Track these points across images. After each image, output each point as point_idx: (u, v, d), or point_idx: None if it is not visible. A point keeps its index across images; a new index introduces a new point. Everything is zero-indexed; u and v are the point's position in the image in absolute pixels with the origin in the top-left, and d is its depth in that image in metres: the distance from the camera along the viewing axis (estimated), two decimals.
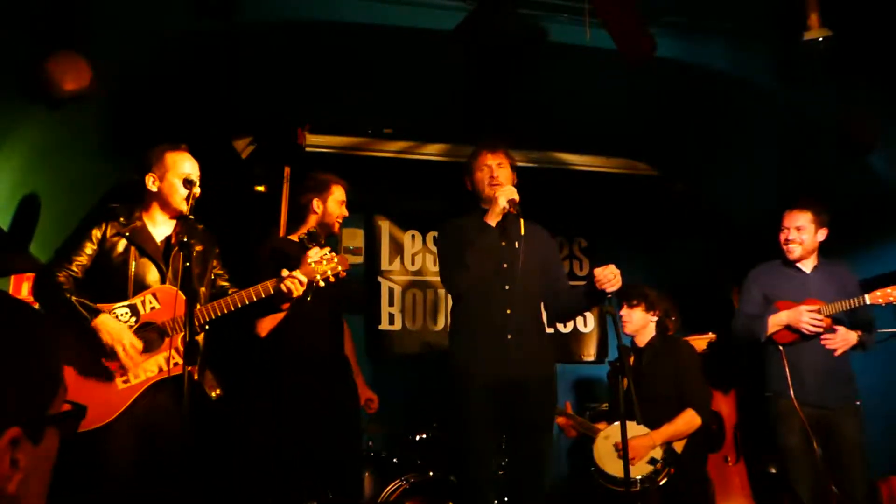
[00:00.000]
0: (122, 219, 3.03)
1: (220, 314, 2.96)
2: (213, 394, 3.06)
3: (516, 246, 3.24)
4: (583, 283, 3.39)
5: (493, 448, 3.37)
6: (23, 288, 4.13)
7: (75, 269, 2.91)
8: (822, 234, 3.87)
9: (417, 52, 4.27)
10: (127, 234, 2.99)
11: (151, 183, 3.06)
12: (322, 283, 3.09)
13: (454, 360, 3.31)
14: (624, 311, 4.27)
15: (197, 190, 3.07)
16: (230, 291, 3.14)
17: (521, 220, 3.15)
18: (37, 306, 2.98)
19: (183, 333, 2.85)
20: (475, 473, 3.25)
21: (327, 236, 3.73)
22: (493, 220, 3.25)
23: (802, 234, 3.83)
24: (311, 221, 3.75)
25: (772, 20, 4.09)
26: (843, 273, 3.92)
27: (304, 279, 3.01)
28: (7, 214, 3.66)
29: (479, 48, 3.82)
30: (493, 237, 3.27)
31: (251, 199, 5.45)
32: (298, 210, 3.83)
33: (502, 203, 3.19)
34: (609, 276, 3.18)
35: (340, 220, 3.83)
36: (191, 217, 3.00)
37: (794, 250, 3.84)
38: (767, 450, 4.60)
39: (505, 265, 3.29)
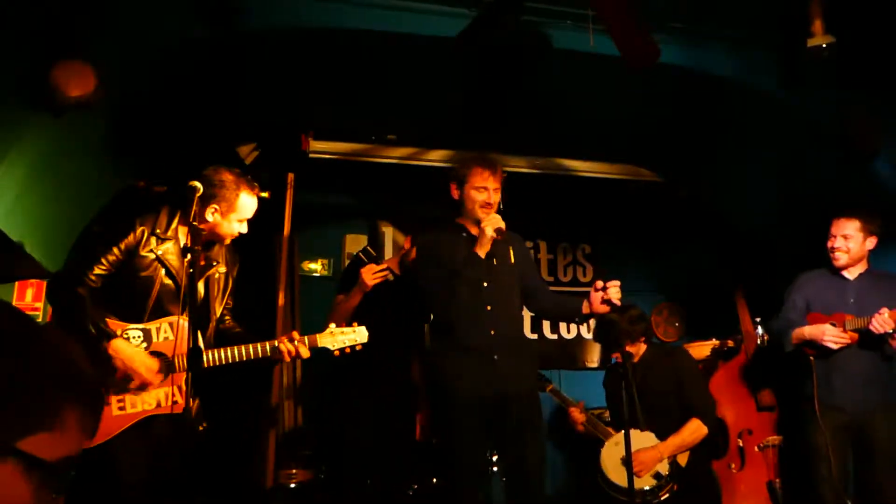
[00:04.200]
0: (158, 230, 2.93)
1: (221, 363, 2.92)
2: (200, 427, 3.03)
3: (494, 263, 3.32)
4: (588, 288, 3.39)
5: (485, 462, 3.53)
6: (27, 294, 4.13)
7: (94, 278, 2.80)
8: (872, 243, 3.86)
9: (421, 58, 4.27)
10: (159, 252, 2.91)
11: (210, 213, 2.97)
12: (337, 353, 3.12)
13: (441, 380, 3.37)
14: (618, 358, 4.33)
15: (245, 227, 3.08)
16: (227, 322, 3.17)
17: (511, 249, 3.27)
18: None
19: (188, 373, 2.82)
20: (469, 487, 3.31)
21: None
22: (481, 250, 3.28)
23: (849, 242, 3.84)
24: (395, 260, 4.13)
25: (775, 26, 4.09)
26: (893, 282, 3.88)
27: (306, 353, 3.03)
28: (12, 220, 3.67)
29: (483, 55, 3.83)
30: (478, 266, 3.31)
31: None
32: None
33: (489, 233, 3.22)
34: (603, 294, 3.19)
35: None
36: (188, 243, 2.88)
37: (840, 258, 3.86)
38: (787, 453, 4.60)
39: (486, 284, 3.37)
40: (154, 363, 2.83)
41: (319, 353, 3.16)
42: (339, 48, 4.15)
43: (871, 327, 3.59)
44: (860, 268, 3.92)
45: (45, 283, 3.91)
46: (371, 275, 3.65)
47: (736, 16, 4.08)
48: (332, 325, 3.15)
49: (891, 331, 3.57)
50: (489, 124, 5.10)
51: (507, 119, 5.02)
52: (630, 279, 6.25)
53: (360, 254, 3.81)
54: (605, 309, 3.20)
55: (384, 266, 3.71)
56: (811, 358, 3.80)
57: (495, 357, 3.30)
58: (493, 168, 3.45)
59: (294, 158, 5.33)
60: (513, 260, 3.36)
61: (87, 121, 3.71)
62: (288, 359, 3.03)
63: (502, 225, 3.25)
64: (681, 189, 5.89)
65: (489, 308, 3.37)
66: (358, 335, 3.14)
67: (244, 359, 2.95)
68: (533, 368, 3.57)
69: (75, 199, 4.22)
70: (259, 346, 2.98)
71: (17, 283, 4.11)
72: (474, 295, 3.34)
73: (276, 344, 2.99)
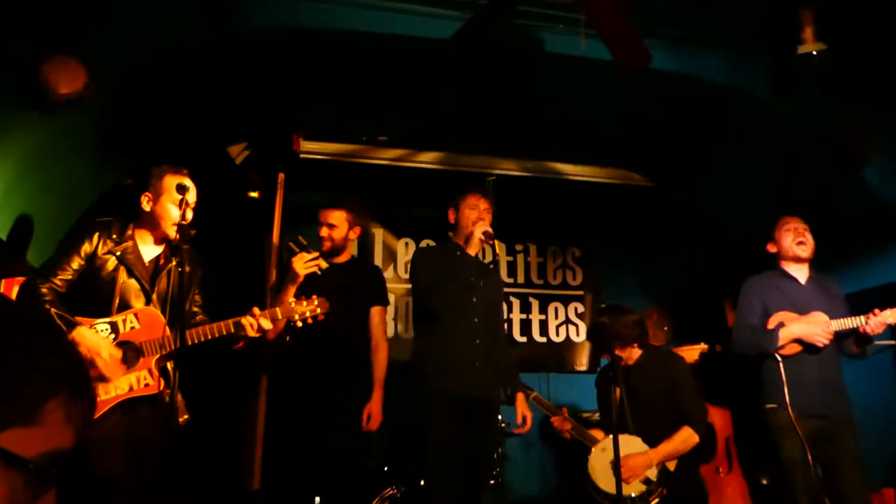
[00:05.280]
0: (114, 235, 3.03)
1: (190, 344, 2.96)
2: (181, 419, 3.02)
3: (480, 284, 3.73)
4: (577, 292, 3.60)
5: (464, 460, 3.60)
6: (13, 292, 4.10)
7: (59, 282, 2.90)
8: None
9: (413, 60, 4.27)
10: (118, 253, 3.00)
11: (146, 202, 3.06)
12: (300, 324, 3.19)
13: (426, 381, 3.65)
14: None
15: (189, 215, 3.07)
16: (198, 319, 3.19)
17: (496, 242, 3.70)
18: None
19: (158, 356, 2.92)
20: (447, 483, 3.50)
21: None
22: (472, 249, 3.80)
23: (808, 236, 3.83)
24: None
25: (767, 33, 4.11)
26: (833, 287, 3.91)
27: (268, 324, 3.06)
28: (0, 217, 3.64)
29: (476, 57, 3.84)
30: (468, 268, 3.75)
31: (245, 205, 5.44)
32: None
33: (477, 234, 3.70)
34: None
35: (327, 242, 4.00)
36: (177, 239, 2.98)
37: (807, 250, 3.82)
38: (762, 461, 4.61)
39: (475, 299, 3.74)
40: (118, 353, 2.86)
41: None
42: (332, 49, 4.14)
43: (867, 328, 3.57)
44: (807, 271, 3.89)
45: None
46: (303, 264, 3.51)
47: (729, 21, 4.10)
48: (292, 298, 3.25)
49: (881, 333, 3.57)
50: (480, 127, 5.11)
51: (499, 122, 5.03)
52: (619, 282, 6.34)
53: (291, 244, 3.68)
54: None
55: (316, 255, 3.56)
56: (779, 359, 3.69)
57: (476, 364, 3.66)
58: (484, 194, 3.95)
59: (285, 158, 5.32)
60: (481, 283, 3.76)
61: (76, 118, 3.69)
62: (251, 332, 3.05)
63: (490, 230, 3.70)
64: (672, 194, 5.91)
65: (476, 320, 3.72)
66: (319, 305, 3.22)
67: (210, 337, 2.99)
68: (499, 379, 3.90)
69: (64, 196, 4.19)
70: (223, 323, 3.04)
71: (3, 281, 4.08)
72: (465, 306, 3.70)
73: (239, 319, 3.04)
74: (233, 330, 3.03)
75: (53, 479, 0.83)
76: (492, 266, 3.92)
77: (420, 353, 3.79)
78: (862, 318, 3.60)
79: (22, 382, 0.81)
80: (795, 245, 3.84)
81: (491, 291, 3.86)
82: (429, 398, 3.61)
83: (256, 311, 3.08)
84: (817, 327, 3.65)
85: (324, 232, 3.99)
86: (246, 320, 3.03)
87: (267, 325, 3.07)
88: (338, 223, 3.99)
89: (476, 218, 3.80)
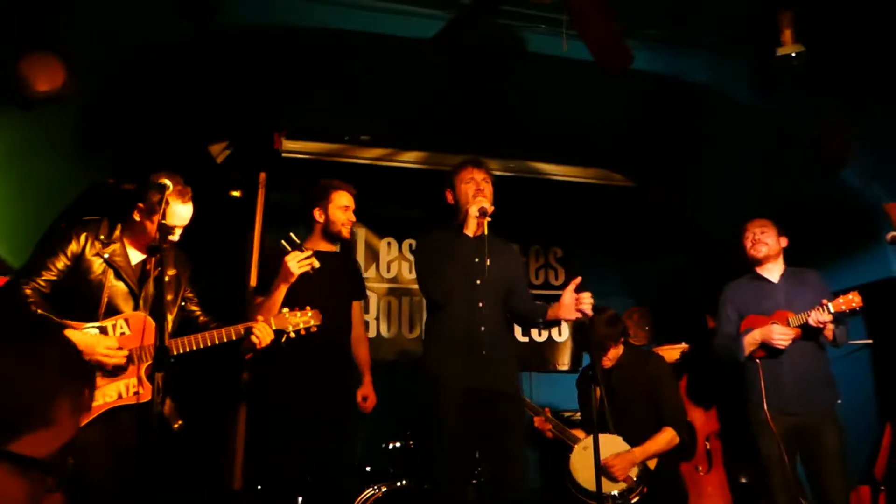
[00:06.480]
0: (102, 236, 2.97)
1: (188, 350, 2.96)
2: (175, 425, 3.01)
3: (487, 263, 3.38)
4: (559, 291, 3.49)
5: (465, 457, 3.45)
6: None
7: (43, 283, 2.84)
8: (784, 242, 4.02)
9: (396, 59, 4.27)
10: (105, 255, 2.94)
11: (137, 214, 3.01)
12: (293, 335, 3.19)
13: (429, 371, 3.43)
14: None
15: (177, 235, 3.04)
16: (200, 319, 3.18)
17: (486, 222, 3.39)
18: None
19: (147, 363, 2.87)
20: (449, 482, 3.31)
21: (337, 242, 3.98)
22: (469, 230, 3.47)
23: (767, 237, 3.97)
24: (317, 231, 3.93)
25: (749, 34, 4.14)
26: (812, 279, 3.99)
27: (271, 330, 3.12)
28: None
29: (458, 57, 3.84)
30: (469, 249, 3.44)
31: (226, 204, 5.40)
32: (306, 221, 3.99)
33: (472, 213, 3.43)
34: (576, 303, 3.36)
35: (348, 226, 3.97)
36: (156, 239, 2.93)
37: (762, 249, 3.96)
38: (741, 460, 4.66)
39: (479, 281, 3.45)
40: (112, 341, 2.83)
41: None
42: (314, 48, 4.13)
43: (809, 321, 3.69)
44: (780, 267, 4.01)
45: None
46: (297, 262, 3.37)
47: (711, 23, 4.13)
48: (286, 309, 3.23)
49: (830, 320, 3.67)
50: (463, 126, 5.11)
51: (481, 121, 5.04)
52: (602, 283, 6.33)
53: (284, 241, 3.55)
54: (573, 316, 3.35)
55: (310, 253, 3.43)
56: (758, 361, 3.80)
57: (483, 353, 3.39)
58: (476, 163, 3.67)
59: (267, 158, 5.29)
60: (487, 262, 3.39)
61: (55, 116, 3.65)
62: (265, 338, 3.09)
63: (487, 207, 3.42)
64: (653, 194, 5.95)
65: (480, 305, 3.45)
66: (313, 317, 3.24)
67: (216, 342, 3.00)
68: (516, 370, 3.63)
69: (42, 195, 4.15)
70: (233, 328, 3.05)
71: None
72: (468, 290, 3.45)
73: (251, 325, 3.07)
74: (242, 334, 3.04)
75: (67, 475, 0.83)
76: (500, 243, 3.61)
77: (426, 343, 3.58)
78: (817, 309, 3.70)
79: (31, 389, 0.80)
80: (752, 249, 4.00)
81: (502, 271, 3.53)
82: (434, 393, 3.37)
83: (261, 318, 3.10)
84: (776, 330, 3.75)
85: (346, 215, 3.96)
86: (258, 328, 3.06)
87: (268, 333, 3.12)
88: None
89: (475, 191, 3.53)
